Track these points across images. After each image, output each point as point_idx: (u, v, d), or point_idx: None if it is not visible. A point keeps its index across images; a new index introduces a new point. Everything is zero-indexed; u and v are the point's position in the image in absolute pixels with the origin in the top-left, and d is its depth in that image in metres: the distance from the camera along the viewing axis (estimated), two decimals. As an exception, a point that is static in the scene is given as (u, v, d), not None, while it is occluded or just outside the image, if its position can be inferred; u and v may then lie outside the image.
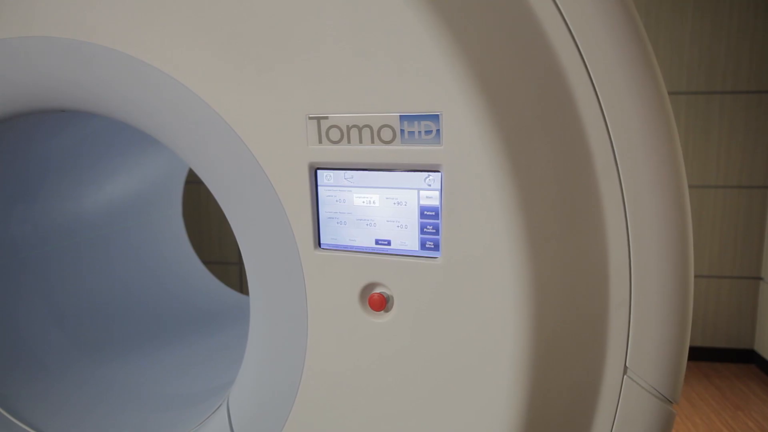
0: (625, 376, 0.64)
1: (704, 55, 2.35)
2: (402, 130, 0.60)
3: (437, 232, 0.63)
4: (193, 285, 1.42)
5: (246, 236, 0.69)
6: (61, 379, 0.96)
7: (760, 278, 2.45)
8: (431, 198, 0.62)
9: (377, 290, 0.66)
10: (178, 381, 1.05)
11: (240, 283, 2.33)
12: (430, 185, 0.62)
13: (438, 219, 0.62)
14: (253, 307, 0.72)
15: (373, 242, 0.65)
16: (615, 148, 0.61)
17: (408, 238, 0.64)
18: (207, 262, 1.54)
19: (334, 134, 0.63)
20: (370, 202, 0.65)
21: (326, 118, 0.63)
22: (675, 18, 2.34)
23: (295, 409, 0.71)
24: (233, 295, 1.45)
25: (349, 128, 0.62)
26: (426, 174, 0.62)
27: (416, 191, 0.63)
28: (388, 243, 0.65)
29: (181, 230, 1.50)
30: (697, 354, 2.53)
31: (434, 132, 0.59)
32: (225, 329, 1.27)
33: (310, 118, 0.63)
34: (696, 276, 2.50)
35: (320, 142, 0.64)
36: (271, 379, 0.71)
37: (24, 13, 0.68)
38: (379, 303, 0.65)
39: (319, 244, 0.67)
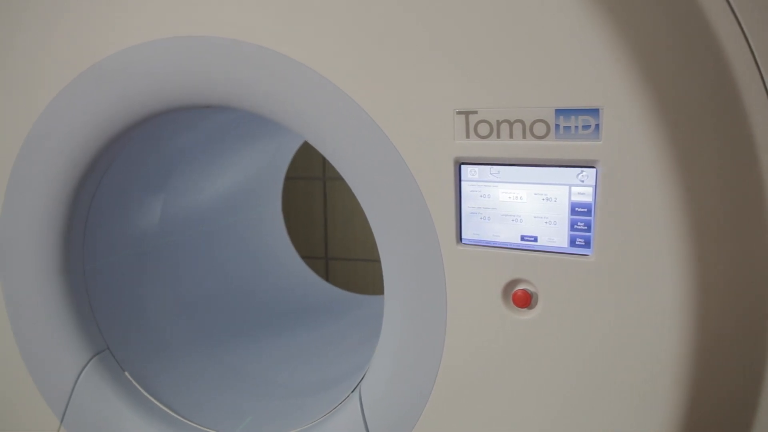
0: (787, 386, 0.61)
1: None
2: (557, 125, 0.59)
3: (589, 229, 0.61)
4: (294, 279, 1.46)
5: (385, 230, 0.70)
6: (188, 364, 1.01)
7: None
8: (584, 194, 0.61)
9: (521, 287, 0.65)
10: (292, 370, 1.08)
11: (326, 278, 2.37)
12: (582, 181, 0.61)
13: (590, 216, 0.61)
14: (389, 301, 0.73)
15: (519, 238, 0.65)
16: (783, 145, 0.58)
17: (556, 235, 0.63)
18: (294, 257, 1.58)
19: (483, 129, 0.63)
20: (516, 197, 0.64)
21: (475, 112, 0.62)
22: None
23: (430, 404, 0.71)
24: (332, 289, 1.48)
25: (499, 123, 0.62)
26: (579, 170, 0.60)
27: (567, 187, 0.62)
28: (535, 239, 0.64)
29: (281, 224, 1.54)
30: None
31: (593, 127, 0.58)
32: (328, 323, 1.29)
33: (458, 113, 0.63)
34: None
35: (467, 137, 0.63)
36: (405, 374, 0.72)
37: (179, 14, 0.71)
38: (524, 299, 0.64)
39: (461, 240, 0.67)
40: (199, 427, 0.88)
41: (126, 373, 0.90)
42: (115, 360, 0.90)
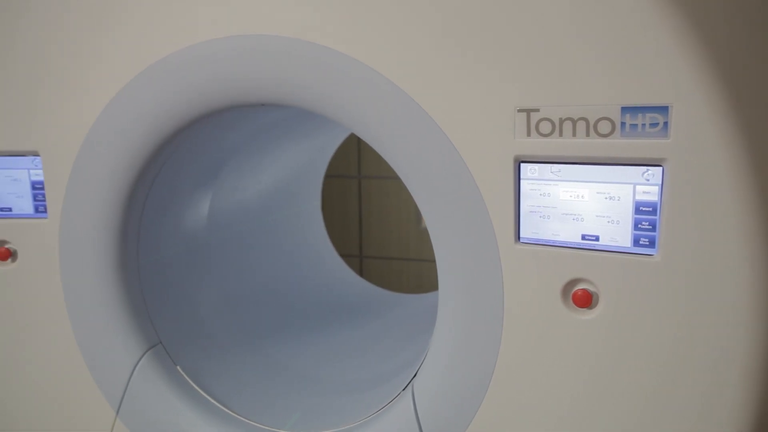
0: None
1: None
2: (623, 123, 0.59)
3: (654, 229, 0.60)
4: (334, 276, 1.47)
5: (441, 228, 0.70)
6: (235, 358, 1.03)
7: None
8: (649, 193, 0.60)
9: (581, 286, 0.64)
10: (337, 367, 1.08)
11: (360, 276, 2.38)
12: (648, 180, 0.60)
13: (655, 215, 0.60)
14: (443, 299, 0.73)
15: (579, 237, 0.64)
16: None
17: (619, 234, 0.62)
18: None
19: (545, 127, 0.62)
20: (578, 196, 0.63)
21: (537, 110, 0.62)
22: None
23: (485, 403, 0.71)
24: (371, 288, 1.48)
25: (561, 121, 0.61)
26: (645, 168, 0.60)
27: (632, 186, 0.61)
28: (596, 239, 0.63)
29: (320, 222, 1.55)
30: None
31: (661, 125, 0.57)
32: (369, 321, 1.30)
33: (519, 110, 0.63)
34: None
35: (528, 135, 0.63)
36: (461, 373, 0.72)
37: (240, 13, 0.72)
38: (585, 299, 0.63)
39: (519, 238, 0.67)
40: (249, 422, 0.89)
41: (178, 367, 0.92)
42: (167, 354, 0.91)
